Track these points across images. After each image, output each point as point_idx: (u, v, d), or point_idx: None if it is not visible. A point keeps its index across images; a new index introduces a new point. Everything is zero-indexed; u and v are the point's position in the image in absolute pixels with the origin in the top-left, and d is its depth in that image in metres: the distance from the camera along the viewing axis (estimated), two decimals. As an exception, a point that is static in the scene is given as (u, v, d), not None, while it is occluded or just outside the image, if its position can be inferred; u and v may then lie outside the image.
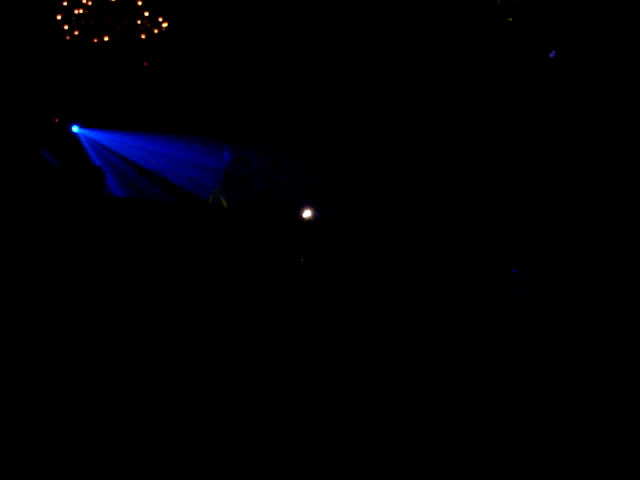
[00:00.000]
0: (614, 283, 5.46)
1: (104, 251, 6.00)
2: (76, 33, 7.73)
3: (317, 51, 8.12)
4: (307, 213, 7.46)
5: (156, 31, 7.94)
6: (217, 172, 8.44)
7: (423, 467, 3.84)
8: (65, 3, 7.58)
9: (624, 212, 6.19)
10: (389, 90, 7.98)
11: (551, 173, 6.81)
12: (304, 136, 8.21)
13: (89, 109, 8.93)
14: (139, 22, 7.85)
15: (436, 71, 7.76)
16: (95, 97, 8.83)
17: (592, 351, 4.80)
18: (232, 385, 4.46)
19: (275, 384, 4.49)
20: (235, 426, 4.06)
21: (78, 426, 3.94)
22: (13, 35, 8.04)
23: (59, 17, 7.66)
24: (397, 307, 5.43)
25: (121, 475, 3.65)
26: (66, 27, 7.70)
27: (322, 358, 4.86)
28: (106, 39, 7.82)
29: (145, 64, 8.64)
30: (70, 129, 8.96)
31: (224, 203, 7.83)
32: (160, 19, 7.95)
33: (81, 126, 9.00)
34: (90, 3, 7.60)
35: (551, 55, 7.19)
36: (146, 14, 7.86)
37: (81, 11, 7.64)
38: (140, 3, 7.80)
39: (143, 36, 7.90)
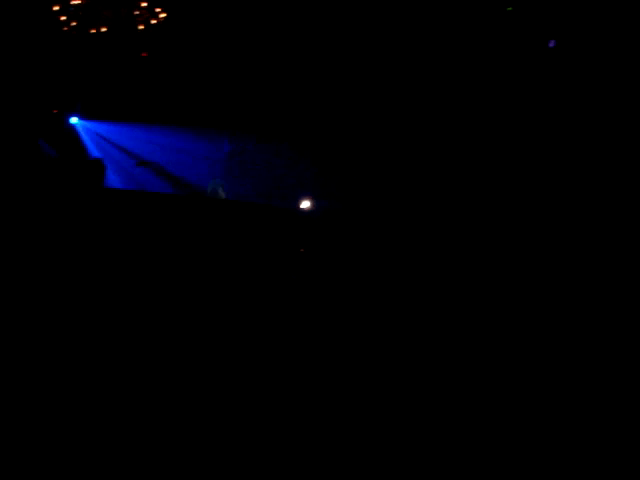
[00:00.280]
0: (614, 283, 5.44)
1: (103, 242, 5.99)
2: (73, 24, 7.70)
3: (319, 42, 8.07)
4: (306, 204, 7.45)
5: (154, 21, 7.90)
6: (217, 163, 8.42)
7: (423, 467, 3.84)
8: (62, -6, 7.54)
9: (623, 209, 6.17)
10: (390, 81, 7.95)
11: (551, 168, 6.78)
12: (304, 127, 8.19)
13: (87, 100, 8.91)
14: (137, 13, 7.81)
15: (436, 63, 7.73)
16: (93, 88, 8.80)
17: (592, 351, 4.79)
18: (231, 380, 4.45)
19: (274, 379, 4.49)
20: (234, 421, 4.06)
21: (77, 422, 3.94)
22: (11, 27, 8.01)
23: (56, 8, 7.62)
24: (396, 303, 5.43)
25: (121, 475, 3.65)
26: (63, 18, 7.67)
27: (322, 353, 4.85)
28: (104, 30, 7.79)
29: (144, 55, 8.60)
30: (68, 120, 8.94)
31: (223, 194, 7.82)
32: (158, 10, 7.92)
33: (79, 117, 8.98)
34: (87, -6, 7.56)
35: (550, 45, 7.16)
36: (144, 4, 7.82)
37: (78, 2, 7.60)
38: (138, -7, 7.76)
39: (141, 27, 7.87)
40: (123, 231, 6.32)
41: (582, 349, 4.79)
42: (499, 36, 7.50)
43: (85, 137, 9.03)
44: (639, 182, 6.23)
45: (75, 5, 7.63)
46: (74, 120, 8.94)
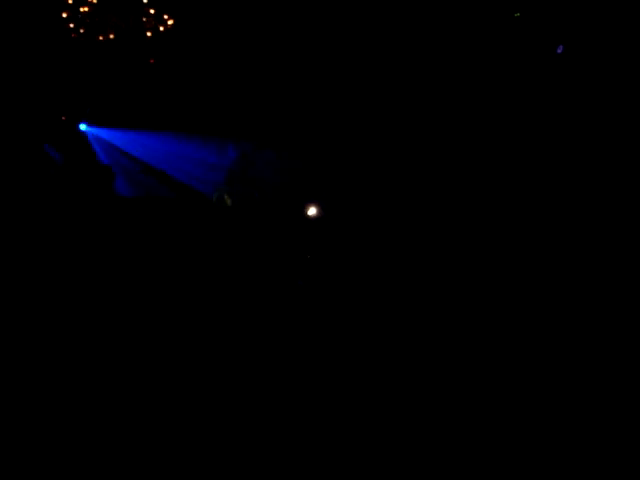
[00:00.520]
0: (613, 283, 5.41)
1: (110, 246, 6.03)
2: (82, 31, 7.75)
3: (323, 49, 8.08)
4: (312, 211, 7.43)
5: (162, 28, 7.94)
6: (222, 170, 8.44)
7: (423, 467, 3.81)
8: (70, 1, 7.58)
9: (624, 209, 6.13)
10: (394, 85, 7.94)
11: (557, 169, 6.74)
12: (309, 134, 8.19)
13: (96, 107, 8.96)
14: (145, 20, 7.85)
15: (442, 67, 7.71)
16: (102, 95, 8.86)
17: (592, 351, 4.75)
18: (233, 381, 4.45)
19: (276, 381, 4.48)
20: (233, 421, 4.05)
21: (77, 421, 3.94)
22: (19, 34, 8.08)
23: (65, 15, 7.68)
24: (397, 306, 5.42)
25: (121, 475, 3.64)
26: (72, 25, 7.72)
27: (324, 356, 4.84)
28: (112, 37, 7.84)
29: (151, 61, 8.65)
30: (77, 127, 9.00)
31: (228, 201, 7.83)
32: (166, 16, 7.95)
33: (88, 124, 9.04)
34: (95, 1, 7.60)
35: (559, 50, 7.11)
36: (152, 11, 7.86)
37: (86, 9, 7.65)
38: (146, 0, 7.80)
39: (149, 34, 7.91)
40: (131, 236, 6.36)
41: (582, 348, 4.76)
42: (507, 42, 7.47)
43: (94, 143, 9.09)
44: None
45: (84, 12, 7.69)
46: (83, 127, 9.01)
